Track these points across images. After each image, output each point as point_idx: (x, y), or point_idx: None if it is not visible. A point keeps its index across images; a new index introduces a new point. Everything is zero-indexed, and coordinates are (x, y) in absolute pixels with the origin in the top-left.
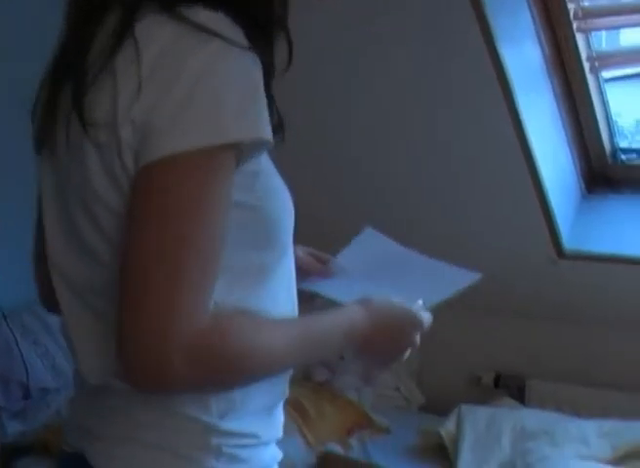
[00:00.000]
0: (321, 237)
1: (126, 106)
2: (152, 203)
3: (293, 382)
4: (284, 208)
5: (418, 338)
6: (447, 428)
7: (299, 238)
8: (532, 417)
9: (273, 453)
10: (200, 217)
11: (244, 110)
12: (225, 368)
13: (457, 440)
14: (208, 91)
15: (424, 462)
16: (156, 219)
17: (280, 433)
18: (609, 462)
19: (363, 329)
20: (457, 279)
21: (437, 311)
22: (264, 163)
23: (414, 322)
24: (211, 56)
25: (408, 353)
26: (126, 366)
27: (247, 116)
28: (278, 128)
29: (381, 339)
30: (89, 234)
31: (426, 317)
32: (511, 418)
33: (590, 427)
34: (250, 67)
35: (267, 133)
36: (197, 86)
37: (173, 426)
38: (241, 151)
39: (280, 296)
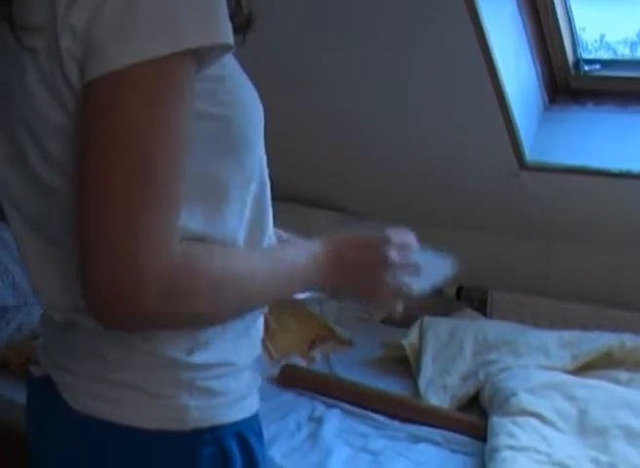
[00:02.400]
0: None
1: (63, 10)
2: (107, 123)
3: None
4: (253, 113)
5: (392, 255)
6: (409, 340)
7: None
8: (493, 328)
9: (249, 380)
10: (162, 135)
11: (199, 8)
12: (199, 302)
13: (419, 351)
14: None
15: (387, 374)
16: (114, 142)
17: (258, 351)
18: (569, 372)
19: (332, 251)
20: (433, 270)
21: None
22: (229, 65)
23: (381, 241)
24: None
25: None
26: (94, 303)
27: (203, 16)
28: (246, 23)
29: (351, 259)
30: (34, 159)
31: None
32: (473, 329)
33: (551, 338)
34: None
35: (227, 35)
36: None
37: (141, 364)
38: (200, 56)
39: (258, 218)
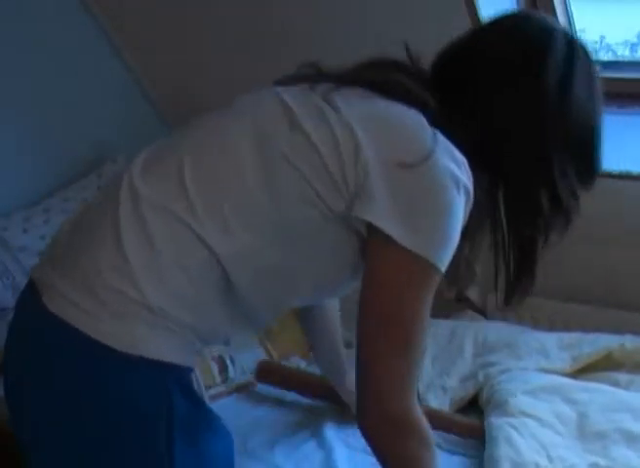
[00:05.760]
0: None
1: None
2: (392, 276)
3: None
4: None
5: None
6: None
7: None
8: (493, 330)
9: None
10: (420, 317)
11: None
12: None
13: None
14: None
15: None
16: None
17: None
18: (569, 374)
19: None
20: None
21: None
22: None
23: None
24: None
25: None
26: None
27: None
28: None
29: None
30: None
31: None
32: (473, 331)
33: (551, 340)
34: (466, 207)
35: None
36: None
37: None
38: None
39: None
